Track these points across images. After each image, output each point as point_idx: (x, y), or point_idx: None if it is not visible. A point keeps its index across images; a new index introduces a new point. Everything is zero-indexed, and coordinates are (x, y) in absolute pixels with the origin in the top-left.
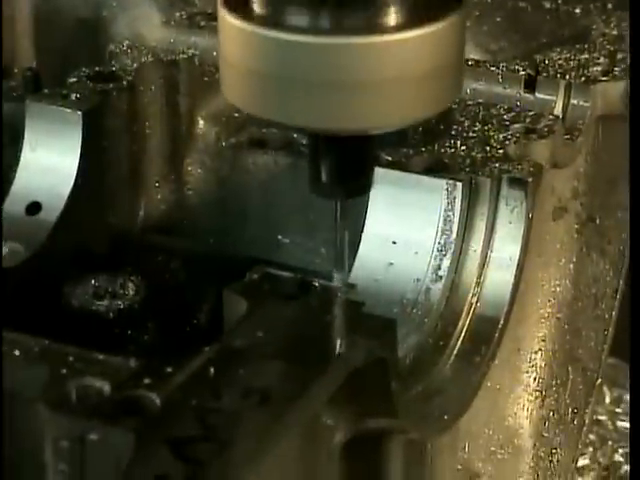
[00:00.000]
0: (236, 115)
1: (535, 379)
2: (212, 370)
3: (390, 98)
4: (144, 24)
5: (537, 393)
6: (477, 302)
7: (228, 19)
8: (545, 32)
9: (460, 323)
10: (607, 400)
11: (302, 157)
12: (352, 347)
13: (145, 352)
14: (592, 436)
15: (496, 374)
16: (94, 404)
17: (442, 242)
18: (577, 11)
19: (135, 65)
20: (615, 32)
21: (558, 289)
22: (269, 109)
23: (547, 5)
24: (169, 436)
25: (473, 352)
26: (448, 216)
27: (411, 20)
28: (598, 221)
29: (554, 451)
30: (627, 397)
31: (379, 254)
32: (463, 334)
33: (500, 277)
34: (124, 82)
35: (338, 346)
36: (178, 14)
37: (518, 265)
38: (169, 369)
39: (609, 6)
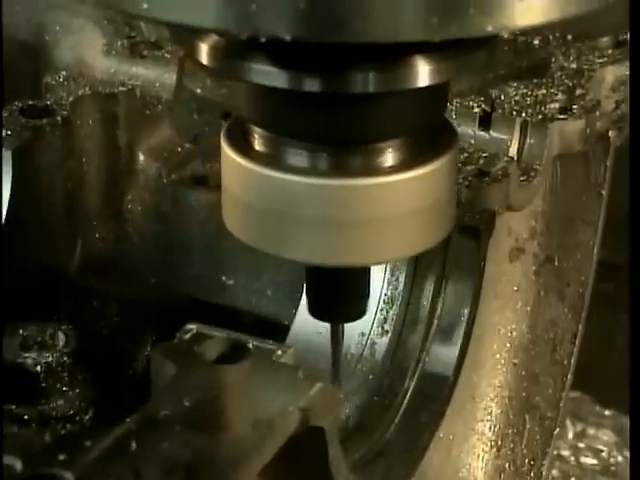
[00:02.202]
0: (179, 150)
1: (490, 428)
2: (133, 444)
3: (386, 235)
4: (87, 50)
5: (492, 442)
6: (425, 358)
7: (230, 155)
8: (502, 64)
9: (407, 380)
10: (570, 435)
11: None
12: (287, 415)
13: (71, 413)
14: (555, 471)
15: (449, 423)
16: None
17: (389, 294)
18: (536, 42)
19: (71, 98)
20: (574, 65)
21: (515, 333)
22: (268, 243)
23: (505, 35)
24: None
25: (421, 410)
26: (395, 266)
27: (405, 161)
28: (557, 262)
29: None
30: (590, 431)
31: None
32: (410, 392)
33: (450, 331)
34: (58, 117)
35: (272, 414)
36: (120, 43)
37: (469, 318)
38: (86, 442)
39: (569, 37)
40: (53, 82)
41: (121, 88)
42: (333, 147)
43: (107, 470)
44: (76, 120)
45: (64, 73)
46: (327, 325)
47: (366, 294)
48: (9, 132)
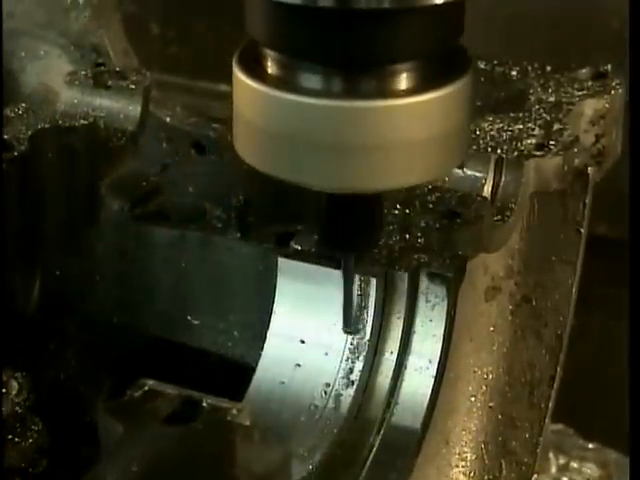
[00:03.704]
0: (143, 184)
1: (465, 474)
2: None
3: (400, 160)
4: (53, 76)
5: None
6: (393, 410)
7: (243, 79)
8: (478, 95)
9: (373, 434)
10: (553, 469)
11: (214, 231)
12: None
13: (22, 465)
14: None
15: (421, 471)
16: None
17: (354, 343)
18: (513, 73)
19: (29, 132)
20: (553, 98)
21: (491, 375)
22: (282, 169)
23: (482, 65)
24: None
25: (388, 466)
26: (361, 314)
27: (421, 84)
28: (534, 302)
29: None
30: (574, 465)
31: (286, 354)
32: (377, 446)
33: (418, 382)
34: (15, 152)
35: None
36: (84, 72)
37: (438, 368)
38: None
39: (548, 69)
40: (12, 114)
41: (82, 121)
42: (347, 69)
43: None
44: (34, 155)
45: (24, 105)
46: (290, 374)
47: (380, 224)
48: None
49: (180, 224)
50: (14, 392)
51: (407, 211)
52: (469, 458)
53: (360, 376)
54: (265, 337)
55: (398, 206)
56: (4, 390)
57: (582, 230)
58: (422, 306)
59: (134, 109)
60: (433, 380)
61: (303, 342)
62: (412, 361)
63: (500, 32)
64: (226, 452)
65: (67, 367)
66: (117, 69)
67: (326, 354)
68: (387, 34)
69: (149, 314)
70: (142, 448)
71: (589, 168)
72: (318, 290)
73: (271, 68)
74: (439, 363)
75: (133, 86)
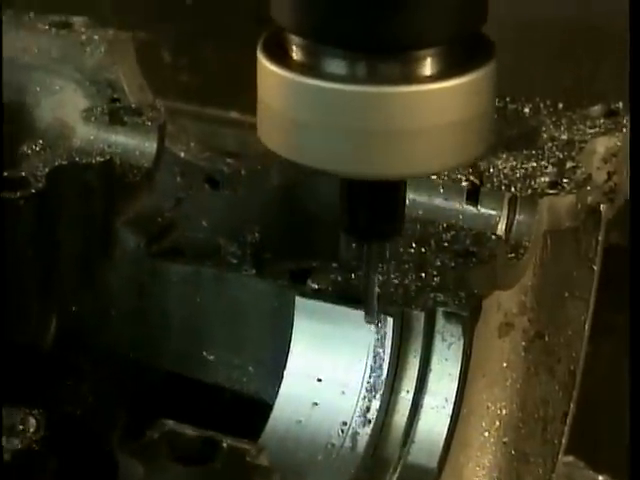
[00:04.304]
0: (159, 220)
1: None
2: None
3: (425, 146)
4: (68, 111)
5: None
6: (409, 449)
7: (267, 66)
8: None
9: (390, 472)
10: None
11: (228, 267)
12: None
13: None
14: None
15: None
16: None
17: (371, 381)
18: (526, 110)
19: (47, 169)
20: (565, 136)
21: (504, 411)
22: (306, 155)
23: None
24: None
25: None
26: (378, 353)
27: (447, 70)
28: (547, 338)
29: None
30: None
31: (303, 393)
32: None
33: (434, 421)
34: (32, 189)
35: None
36: (100, 109)
37: (454, 407)
38: None
39: (559, 106)
40: (29, 151)
41: (98, 158)
42: (372, 54)
43: None
44: (51, 191)
45: (41, 142)
46: (307, 413)
47: (402, 212)
48: None
49: (195, 260)
50: (32, 429)
51: (422, 250)
52: None
53: (377, 415)
54: (280, 373)
55: (414, 244)
56: (21, 427)
57: (595, 267)
58: (438, 345)
59: (150, 146)
60: (449, 419)
61: (320, 380)
62: (428, 400)
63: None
64: None
65: (83, 403)
66: (132, 105)
67: (343, 393)
68: (413, 19)
69: (164, 350)
70: None
71: (601, 205)
72: (335, 329)
73: (296, 54)
74: (455, 402)
75: (149, 122)
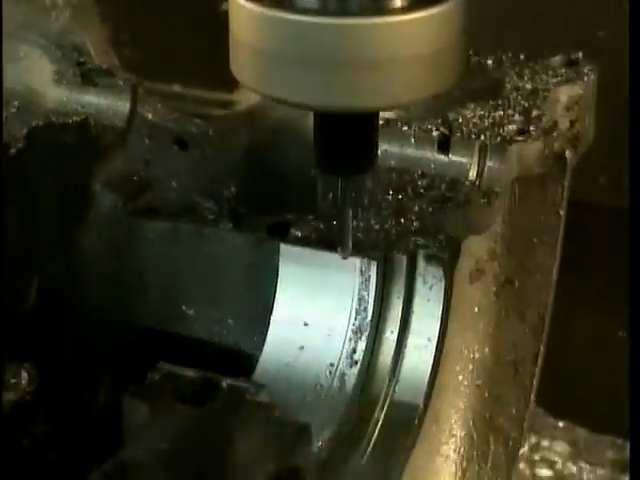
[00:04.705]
0: (134, 179)
1: (455, 450)
2: None
3: (397, 77)
4: (36, 77)
5: (458, 465)
6: (395, 387)
7: (239, 1)
8: (458, 85)
9: (377, 410)
10: (525, 448)
11: (205, 223)
12: (266, 456)
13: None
14: None
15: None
16: None
17: (357, 323)
18: (489, 62)
19: (24, 130)
20: (529, 86)
21: (477, 355)
22: (280, 89)
23: None
24: None
25: (392, 441)
26: (362, 296)
27: (415, 2)
28: (517, 283)
29: None
30: (545, 443)
31: (290, 336)
32: (381, 422)
33: (419, 359)
34: (12, 150)
35: (249, 455)
36: (71, 71)
37: (437, 346)
38: None
39: (521, 57)
40: (6, 113)
41: (75, 118)
42: None
43: None
44: (29, 153)
45: (16, 103)
46: (294, 355)
47: (376, 145)
48: None
49: (172, 217)
50: (24, 382)
51: (400, 197)
52: (459, 435)
53: (363, 356)
54: (258, 324)
55: (391, 192)
56: (14, 380)
57: (561, 212)
58: (420, 287)
59: (122, 105)
60: (432, 357)
61: (306, 324)
62: (412, 340)
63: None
64: (248, 429)
65: (67, 362)
66: (103, 66)
67: (329, 335)
68: None
69: (144, 307)
70: (168, 427)
71: (567, 152)
72: (319, 274)
73: None
74: (438, 340)
75: (121, 83)
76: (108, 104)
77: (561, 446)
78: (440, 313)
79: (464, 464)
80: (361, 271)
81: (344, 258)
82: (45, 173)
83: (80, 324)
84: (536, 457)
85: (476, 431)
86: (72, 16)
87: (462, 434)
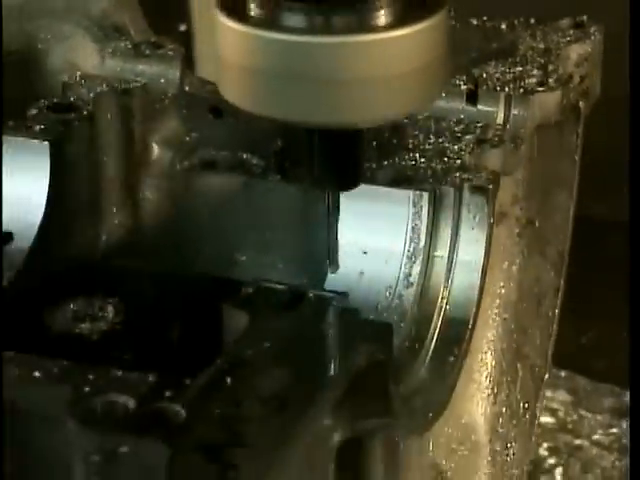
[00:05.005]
0: (187, 139)
1: (486, 377)
2: (228, 380)
3: (380, 94)
4: (79, 55)
5: (489, 391)
6: (447, 305)
7: (224, 21)
8: (477, 47)
9: (432, 326)
10: None
11: (253, 176)
12: (354, 351)
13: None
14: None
15: None
16: (122, 418)
17: (411, 250)
18: (503, 27)
19: (92, 95)
20: (542, 45)
21: (503, 291)
22: (266, 106)
23: (474, 22)
24: (199, 443)
25: (446, 353)
26: (416, 225)
27: (399, 20)
28: (537, 224)
29: (509, 445)
30: (547, 393)
31: (351, 264)
32: (436, 336)
33: (466, 280)
34: (84, 112)
35: (340, 351)
36: (123, 44)
37: (482, 268)
38: (186, 381)
39: (532, 21)
40: (71, 81)
41: (134, 84)
42: (325, 5)
43: (211, 402)
44: (97, 115)
45: (79, 72)
46: (356, 280)
47: (362, 162)
48: (42, 127)
49: (224, 172)
50: (111, 314)
51: (440, 140)
52: (489, 364)
53: (418, 278)
54: (306, 268)
55: (431, 137)
56: (101, 313)
57: (576, 158)
58: (465, 216)
59: (172, 73)
60: (479, 277)
61: (365, 253)
62: (460, 261)
63: None
64: (337, 330)
65: (146, 297)
66: (152, 40)
67: (386, 262)
68: None
69: (200, 255)
70: (268, 329)
71: (580, 103)
72: (376, 207)
73: (253, 10)
74: (483, 262)
75: (170, 53)
76: (160, 72)
77: (562, 395)
78: (484, 238)
79: (495, 389)
80: (414, 202)
81: (332, 273)
82: (111, 134)
83: (148, 269)
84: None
85: (505, 360)
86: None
87: (493, 363)
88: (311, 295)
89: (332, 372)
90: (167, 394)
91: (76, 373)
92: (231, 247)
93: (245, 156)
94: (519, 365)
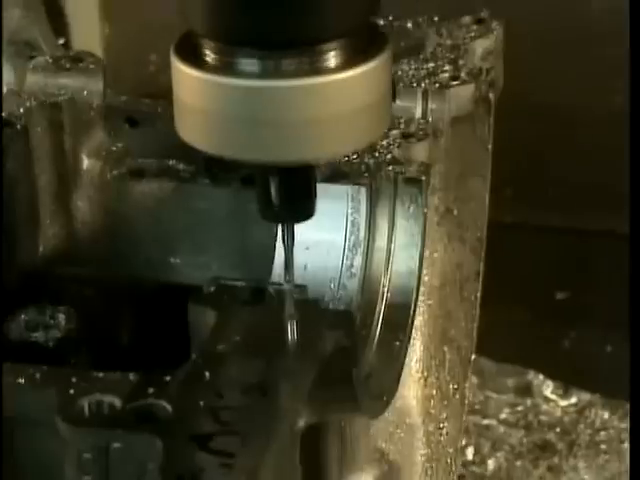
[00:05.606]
0: (114, 149)
1: (416, 362)
2: (206, 373)
3: (330, 132)
4: None
5: (419, 374)
6: (387, 293)
7: (182, 67)
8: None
9: (375, 313)
10: None
11: (181, 181)
12: (320, 339)
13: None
14: None
15: None
16: (112, 416)
17: (352, 241)
18: (409, 25)
19: (21, 110)
20: (449, 41)
21: (427, 278)
22: (223, 147)
23: (382, 22)
24: (192, 434)
25: (392, 338)
26: (355, 218)
27: (347, 61)
28: (455, 212)
29: (442, 425)
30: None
31: (295, 260)
32: (380, 322)
33: (404, 267)
34: (18, 126)
35: (307, 340)
36: (43, 59)
37: (419, 255)
38: (166, 378)
39: (435, 19)
40: None
41: (62, 97)
42: (277, 50)
43: (194, 395)
44: (29, 129)
45: (5, 88)
46: (300, 274)
47: (314, 194)
48: None
49: (155, 178)
50: (63, 322)
51: None
52: (418, 348)
53: (359, 269)
54: (239, 267)
55: None
56: (52, 321)
57: (489, 147)
58: (400, 207)
59: (95, 85)
60: (417, 264)
61: (307, 249)
62: (398, 251)
63: None
64: (301, 321)
65: (91, 304)
66: (71, 54)
67: (328, 254)
68: (314, 18)
69: (136, 259)
70: (236, 324)
71: (490, 94)
72: (317, 204)
73: (209, 56)
74: (419, 250)
75: (92, 66)
76: (82, 85)
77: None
78: (419, 228)
79: (425, 373)
80: (352, 197)
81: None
82: (41, 147)
83: (84, 276)
84: None
85: (432, 344)
86: (22, 15)
87: (421, 348)
88: (271, 289)
89: (303, 360)
90: (150, 391)
91: (59, 377)
92: (166, 250)
93: (171, 163)
94: (446, 348)
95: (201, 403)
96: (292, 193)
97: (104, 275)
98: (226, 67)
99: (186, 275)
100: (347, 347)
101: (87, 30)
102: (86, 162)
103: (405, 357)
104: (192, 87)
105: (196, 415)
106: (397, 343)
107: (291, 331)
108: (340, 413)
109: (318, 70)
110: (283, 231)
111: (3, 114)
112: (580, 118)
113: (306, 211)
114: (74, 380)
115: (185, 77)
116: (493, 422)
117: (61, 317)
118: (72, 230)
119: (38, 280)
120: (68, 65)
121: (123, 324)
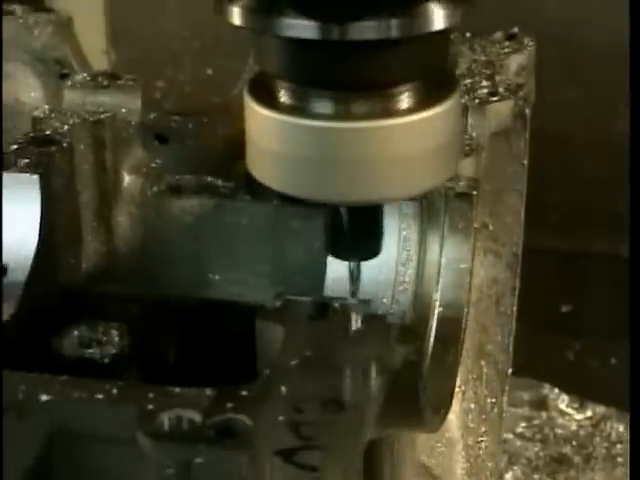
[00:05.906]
0: (153, 165)
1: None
2: (282, 388)
3: (400, 174)
4: (24, 91)
5: (457, 388)
6: (439, 306)
7: (256, 109)
8: None
9: (428, 328)
10: None
11: (221, 198)
12: (391, 353)
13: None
14: None
15: None
16: (193, 430)
17: (404, 256)
18: None
19: (65, 127)
20: (483, 57)
21: None
22: (297, 187)
23: None
24: (274, 449)
25: (444, 352)
26: (406, 234)
27: (419, 104)
28: (491, 227)
29: (480, 439)
30: None
31: (346, 274)
32: (433, 336)
33: (455, 282)
34: (64, 144)
35: (377, 354)
36: (81, 76)
37: (469, 269)
38: (243, 392)
39: (467, 35)
40: (42, 115)
41: (103, 115)
42: (355, 92)
43: (272, 411)
44: (75, 146)
45: (46, 107)
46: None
47: (382, 232)
48: (27, 160)
49: (194, 195)
50: (117, 338)
51: None
52: None
53: (411, 283)
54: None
55: None
56: (105, 337)
57: (525, 162)
58: (450, 222)
59: (133, 103)
60: (467, 278)
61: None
62: (448, 266)
63: None
64: (365, 335)
65: (141, 320)
66: (108, 71)
67: (381, 270)
68: (387, 61)
69: (174, 276)
70: (305, 339)
71: (527, 110)
72: None
73: (282, 96)
74: (470, 264)
75: (130, 83)
76: (120, 102)
77: None
78: (469, 241)
79: (463, 387)
80: (404, 213)
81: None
82: (85, 163)
83: (129, 294)
84: None
85: (469, 358)
86: (53, 32)
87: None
88: (336, 304)
89: (375, 375)
90: (229, 405)
91: (136, 392)
92: (205, 267)
93: (209, 179)
94: (483, 362)
95: (281, 418)
96: (361, 232)
97: (144, 291)
98: (299, 108)
99: (226, 291)
100: (414, 361)
101: (93, 56)
102: (127, 179)
103: (457, 371)
104: (265, 127)
105: (276, 430)
106: (450, 357)
107: (361, 345)
108: (403, 427)
109: (390, 112)
110: (350, 267)
111: (48, 132)
112: (580, 141)
113: (373, 249)
114: (151, 396)
115: (259, 117)
116: (509, 436)
117: (114, 333)
118: (112, 247)
119: (80, 297)
120: (106, 82)
121: (167, 340)
